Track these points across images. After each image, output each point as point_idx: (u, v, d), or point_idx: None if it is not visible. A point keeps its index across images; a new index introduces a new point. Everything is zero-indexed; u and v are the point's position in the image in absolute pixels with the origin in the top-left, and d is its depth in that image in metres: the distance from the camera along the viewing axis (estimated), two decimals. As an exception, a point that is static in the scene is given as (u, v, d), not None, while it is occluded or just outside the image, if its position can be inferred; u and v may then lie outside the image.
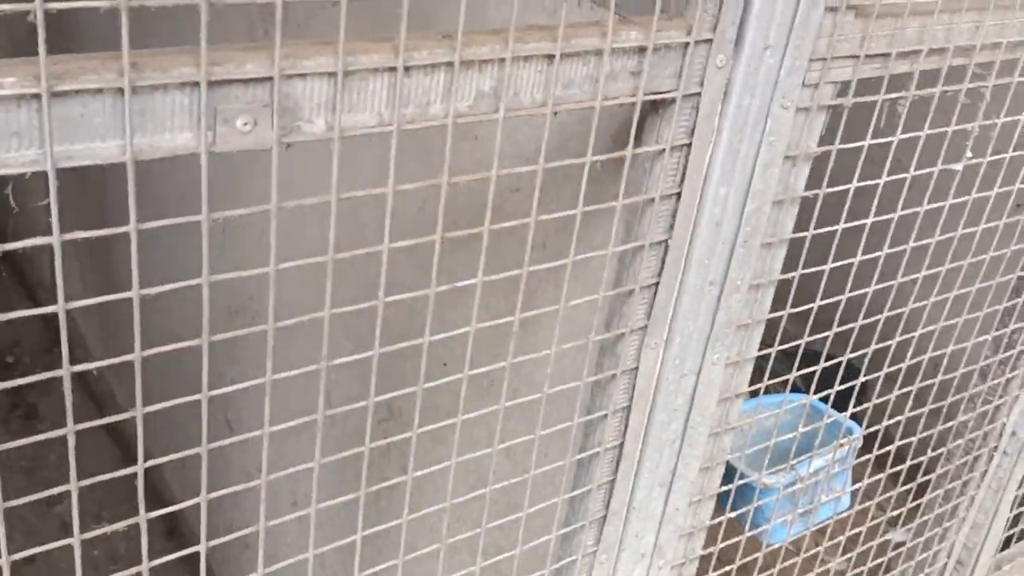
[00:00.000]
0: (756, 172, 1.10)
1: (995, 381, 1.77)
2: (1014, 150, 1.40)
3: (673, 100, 1.00)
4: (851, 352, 1.44)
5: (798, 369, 1.38)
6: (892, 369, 1.55)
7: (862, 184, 1.22)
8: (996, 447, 1.86)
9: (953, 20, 1.20)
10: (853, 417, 1.55)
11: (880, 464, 1.66)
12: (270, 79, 0.75)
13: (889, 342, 1.49)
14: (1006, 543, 2.07)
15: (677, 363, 1.18)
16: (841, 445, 1.53)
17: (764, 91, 1.05)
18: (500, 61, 0.84)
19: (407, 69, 0.79)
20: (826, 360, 1.41)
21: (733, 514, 1.37)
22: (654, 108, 1.03)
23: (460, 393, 1.05)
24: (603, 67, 0.92)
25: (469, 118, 0.85)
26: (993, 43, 1.27)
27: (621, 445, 1.20)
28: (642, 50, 0.94)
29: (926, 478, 1.79)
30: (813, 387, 1.48)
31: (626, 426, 1.19)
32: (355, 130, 0.81)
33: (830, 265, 1.27)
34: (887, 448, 1.65)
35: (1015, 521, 2.03)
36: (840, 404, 1.53)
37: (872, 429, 1.61)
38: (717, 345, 1.20)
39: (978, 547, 1.98)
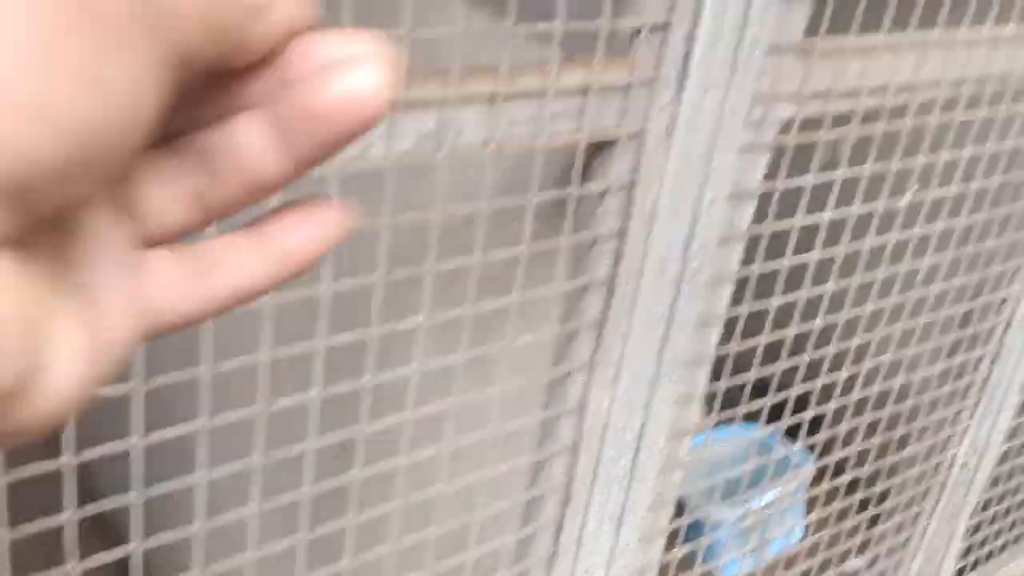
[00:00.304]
0: (701, 210, 1.11)
1: (943, 413, 1.79)
2: (957, 185, 1.43)
3: (616, 140, 1.01)
4: (802, 383, 1.45)
5: (750, 402, 1.39)
6: (841, 402, 1.57)
7: (806, 222, 1.24)
8: (947, 479, 1.88)
9: (894, 60, 1.22)
10: (806, 449, 1.56)
11: (832, 496, 1.67)
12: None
13: (837, 373, 1.50)
14: (959, 574, 2.09)
15: (625, 400, 1.18)
16: (792, 478, 1.54)
17: (707, 130, 1.07)
18: (442, 102, 0.84)
19: (346, 112, 0.79)
20: (777, 392, 1.42)
21: (685, 548, 1.37)
22: (599, 148, 1.03)
23: (411, 432, 1.05)
24: (546, 108, 0.92)
25: (410, 160, 0.85)
26: (935, 80, 1.29)
27: (569, 483, 1.20)
28: (585, 90, 0.95)
29: (877, 510, 1.81)
30: (763, 420, 1.49)
31: (574, 464, 1.19)
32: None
33: (777, 300, 1.28)
34: (838, 480, 1.66)
35: (967, 552, 2.05)
36: (791, 437, 1.54)
37: (823, 462, 1.62)
38: (665, 382, 1.21)
39: (931, 577, 1.99)
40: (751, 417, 1.56)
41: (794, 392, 1.44)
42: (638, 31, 0.96)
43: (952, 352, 1.77)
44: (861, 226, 1.33)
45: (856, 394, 1.56)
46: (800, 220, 1.24)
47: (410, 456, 1.06)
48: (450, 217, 0.94)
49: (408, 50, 0.81)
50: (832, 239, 1.31)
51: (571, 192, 0.99)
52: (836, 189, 1.25)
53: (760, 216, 1.19)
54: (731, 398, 1.40)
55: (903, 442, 1.78)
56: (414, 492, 1.10)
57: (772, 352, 1.35)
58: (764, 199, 1.20)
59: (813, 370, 1.44)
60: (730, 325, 1.26)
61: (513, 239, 1.04)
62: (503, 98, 0.88)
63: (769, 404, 1.39)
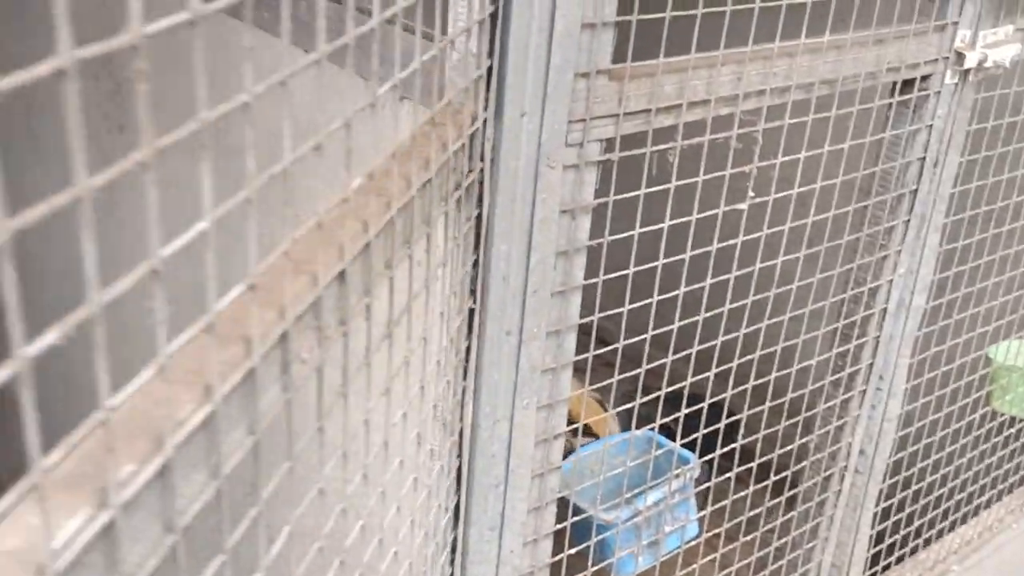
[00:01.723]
0: (535, 227, 1.23)
1: (831, 402, 1.91)
2: (799, 186, 1.56)
3: (471, 176, 1.13)
4: (692, 378, 1.57)
5: (667, 411, 1.51)
6: (734, 392, 1.68)
7: (645, 230, 1.36)
8: (846, 466, 1.99)
9: (712, 74, 1.35)
10: (692, 447, 1.67)
11: (734, 486, 1.78)
12: None
13: (728, 365, 1.62)
14: (874, 559, 2.19)
15: (488, 411, 1.29)
16: (677, 475, 1.65)
17: (528, 153, 1.19)
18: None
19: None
20: (690, 399, 1.53)
21: (573, 551, 1.47)
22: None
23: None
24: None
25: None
26: (758, 91, 1.42)
27: (448, 497, 1.30)
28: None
29: (780, 498, 1.92)
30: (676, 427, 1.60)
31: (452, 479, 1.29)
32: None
33: (628, 306, 1.40)
34: (739, 471, 1.77)
35: (879, 538, 2.16)
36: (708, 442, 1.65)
37: (723, 451, 1.74)
38: (525, 390, 1.32)
39: (845, 565, 2.10)
40: (672, 427, 1.68)
41: (685, 387, 1.56)
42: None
43: (836, 343, 1.89)
44: (706, 229, 1.46)
45: (748, 384, 1.68)
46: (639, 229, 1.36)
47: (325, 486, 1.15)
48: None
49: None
50: (679, 246, 1.43)
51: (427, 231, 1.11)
52: (670, 198, 1.37)
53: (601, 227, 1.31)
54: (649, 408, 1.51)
55: (802, 430, 1.90)
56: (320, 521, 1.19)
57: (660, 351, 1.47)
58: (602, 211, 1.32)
59: (703, 365, 1.56)
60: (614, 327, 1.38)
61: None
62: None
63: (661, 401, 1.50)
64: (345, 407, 0.88)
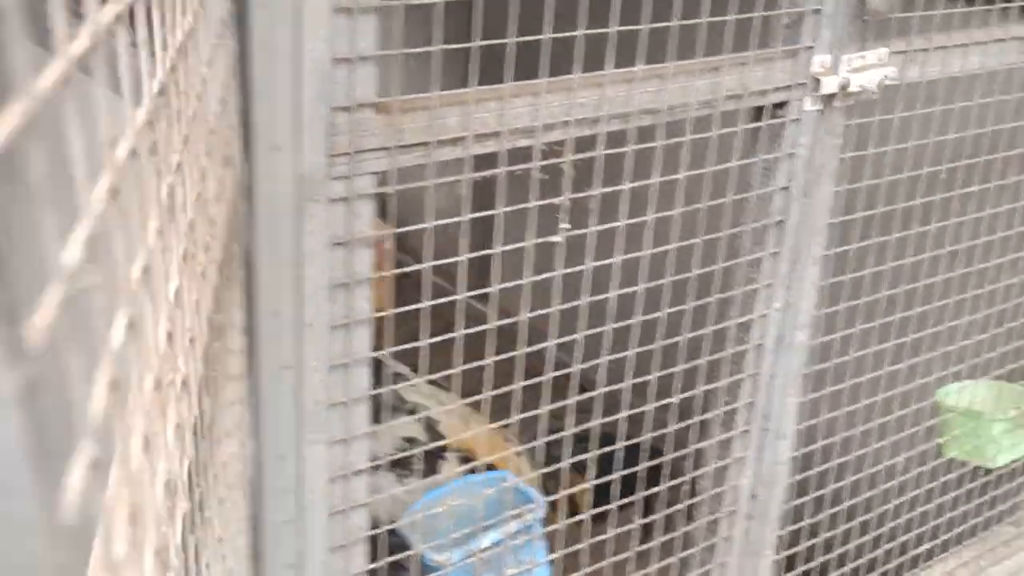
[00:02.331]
0: (304, 260, 1.30)
1: (708, 441, 1.93)
2: (630, 217, 1.61)
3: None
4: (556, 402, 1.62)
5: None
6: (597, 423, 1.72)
7: (441, 262, 1.42)
8: (735, 510, 2.01)
9: (503, 107, 1.42)
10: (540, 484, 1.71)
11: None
12: None
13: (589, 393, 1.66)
14: (784, 611, 2.19)
15: (270, 446, 1.35)
16: (517, 516, 1.68)
17: (286, 187, 1.26)
18: None
19: None
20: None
21: (391, 592, 1.52)
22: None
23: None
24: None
25: None
26: (562, 122, 1.49)
27: (239, 535, 1.36)
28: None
29: (646, 547, 1.94)
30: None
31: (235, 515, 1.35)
32: None
33: (436, 340, 1.45)
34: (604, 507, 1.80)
35: (786, 586, 2.16)
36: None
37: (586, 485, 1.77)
38: (311, 425, 1.37)
39: (746, 617, 2.10)
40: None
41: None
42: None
43: (704, 380, 1.91)
44: (516, 263, 1.52)
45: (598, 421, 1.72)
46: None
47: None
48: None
49: None
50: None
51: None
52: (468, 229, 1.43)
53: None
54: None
55: (672, 472, 1.92)
56: None
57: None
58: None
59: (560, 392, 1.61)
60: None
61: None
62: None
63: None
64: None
